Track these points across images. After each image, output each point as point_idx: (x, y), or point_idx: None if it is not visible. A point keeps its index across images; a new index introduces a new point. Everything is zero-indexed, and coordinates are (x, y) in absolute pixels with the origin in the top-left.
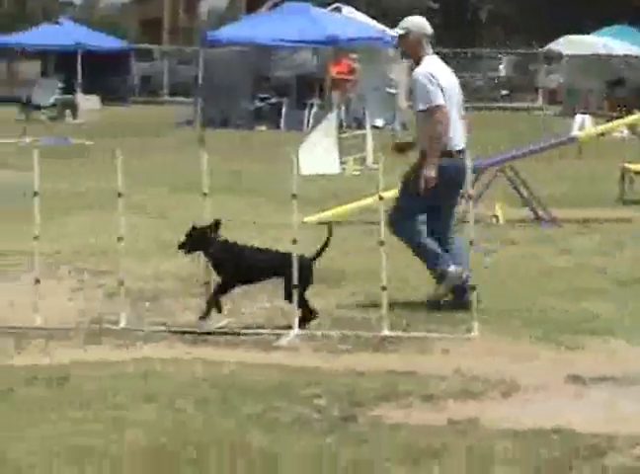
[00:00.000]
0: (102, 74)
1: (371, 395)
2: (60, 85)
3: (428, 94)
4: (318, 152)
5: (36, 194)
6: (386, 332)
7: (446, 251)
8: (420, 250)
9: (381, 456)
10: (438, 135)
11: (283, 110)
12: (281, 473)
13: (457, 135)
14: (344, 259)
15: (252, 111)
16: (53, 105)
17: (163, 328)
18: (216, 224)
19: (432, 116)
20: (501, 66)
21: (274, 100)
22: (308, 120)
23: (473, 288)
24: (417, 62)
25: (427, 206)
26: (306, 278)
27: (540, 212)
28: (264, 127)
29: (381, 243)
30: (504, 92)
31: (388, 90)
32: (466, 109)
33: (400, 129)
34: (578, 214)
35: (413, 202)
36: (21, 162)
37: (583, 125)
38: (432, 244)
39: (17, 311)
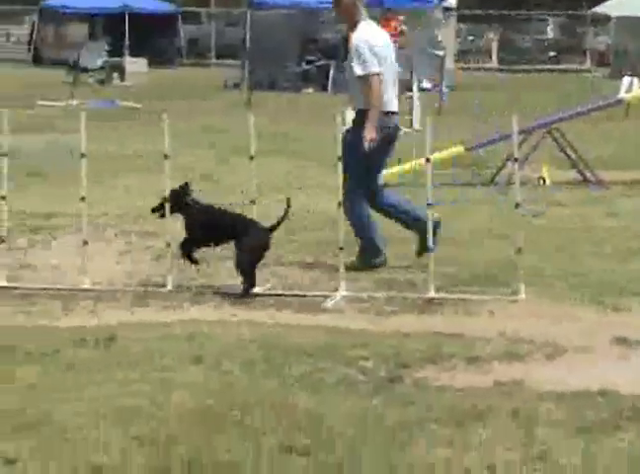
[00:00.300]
0: (149, 37)
1: (417, 357)
2: (107, 48)
3: (365, 61)
4: None
5: (83, 156)
6: (432, 293)
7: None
8: (364, 236)
9: (427, 418)
10: (376, 101)
11: (331, 72)
12: (327, 434)
13: (391, 98)
14: (390, 221)
15: (299, 73)
16: (101, 67)
17: (209, 290)
18: (186, 186)
19: (369, 82)
20: (548, 28)
21: (321, 62)
22: None
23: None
24: (352, 27)
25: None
26: (259, 248)
27: (587, 174)
28: (311, 90)
29: (428, 205)
30: (551, 54)
31: (435, 52)
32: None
33: (447, 91)
34: (625, 176)
35: (358, 165)
36: (68, 125)
37: (630, 87)
38: (377, 239)
39: (64, 273)
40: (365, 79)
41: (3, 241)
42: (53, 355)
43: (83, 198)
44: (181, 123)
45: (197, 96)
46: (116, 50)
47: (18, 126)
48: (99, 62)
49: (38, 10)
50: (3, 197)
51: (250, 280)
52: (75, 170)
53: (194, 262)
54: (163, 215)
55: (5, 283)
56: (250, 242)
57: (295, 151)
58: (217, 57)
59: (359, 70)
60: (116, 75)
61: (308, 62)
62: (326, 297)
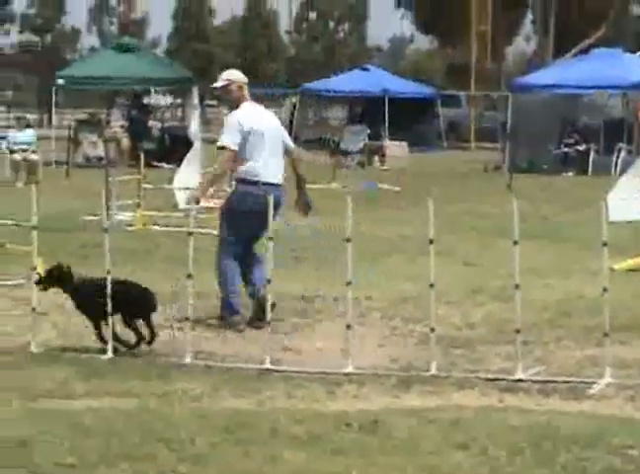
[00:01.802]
0: (408, 120)
1: None
2: (368, 131)
3: (224, 134)
4: (627, 198)
5: (348, 240)
6: None
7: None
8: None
9: None
10: (220, 170)
11: (591, 155)
12: None
13: (266, 170)
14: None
15: (559, 156)
16: (361, 150)
17: (474, 375)
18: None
19: (221, 153)
20: None
21: (582, 146)
22: (616, 166)
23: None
24: (236, 107)
25: (237, 232)
26: (143, 308)
27: None
28: (570, 173)
29: None
30: None
31: None
32: None
33: None
34: None
35: (228, 231)
36: (329, 207)
37: None
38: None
39: (328, 357)
40: (220, 149)
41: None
42: (317, 439)
43: (349, 283)
44: (442, 207)
45: (457, 179)
46: (375, 134)
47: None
48: (359, 145)
49: (298, 92)
50: (268, 281)
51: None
52: (339, 253)
53: (104, 342)
54: (46, 289)
55: (269, 366)
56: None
57: (557, 235)
58: (476, 140)
59: (219, 140)
60: (376, 158)
61: (567, 145)
62: (592, 384)
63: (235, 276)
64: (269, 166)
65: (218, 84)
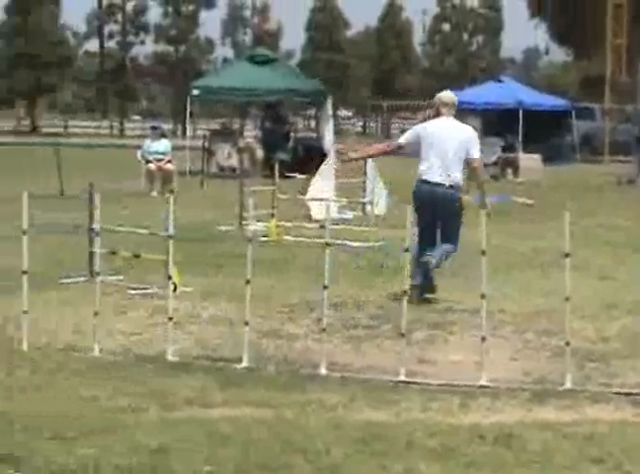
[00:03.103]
0: (542, 133)
1: None
2: (502, 144)
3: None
4: None
5: (483, 253)
6: None
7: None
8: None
9: None
10: (374, 151)
11: None
12: None
13: (431, 171)
14: None
15: None
16: (495, 163)
17: (609, 389)
18: None
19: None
20: None
21: None
22: None
23: None
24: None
25: (418, 222)
26: None
27: None
28: None
29: None
30: None
31: None
32: None
33: None
34: None
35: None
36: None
37: None
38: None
39: (462, 369)
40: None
41: None
42: (453, 451)
43: (483, 296)
44: (575, 220)
45: (590, 193)
46: (509, 146)
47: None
48: (493, 158)
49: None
50: (404, 292)
51: None
52: (474, 266)
53: None
54: None
55: (404, 378)
56: None
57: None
58: (611, 154)
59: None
60: (509, 171)
61: None
62: None
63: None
64: (433, 167)
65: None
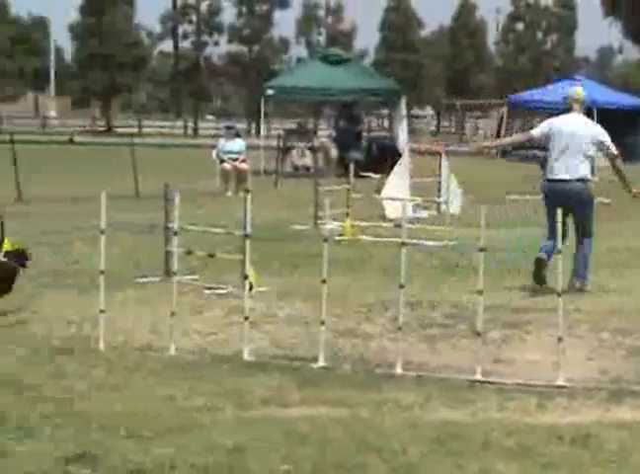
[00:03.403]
0: (617, 132)
1: None
2: None
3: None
4: None
5: (559, 252)
6: None
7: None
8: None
9: None
10: (513, 140)
11: None
12: None
13: (558, 167)
14: None
15: None
16: None
17: None
18: None
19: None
20: None
21: None
22: None
23: None
24: None
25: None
26: None
27: None
28: None
29: None
30: None
31: None
32: None
33: None
34: None
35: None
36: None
37: None
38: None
39: (539, 369)
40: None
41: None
42: (530, 451)
43: (559, 294)
44: None
45: None
46: None
47: (490, 221)
48: None
49: (505, 103)
50: (480, 292)
51: None
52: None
53: None
54: None
55: (480, 378)
56: None
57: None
58: None
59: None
60: None
61: None
62: None
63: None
64: (559, 163)
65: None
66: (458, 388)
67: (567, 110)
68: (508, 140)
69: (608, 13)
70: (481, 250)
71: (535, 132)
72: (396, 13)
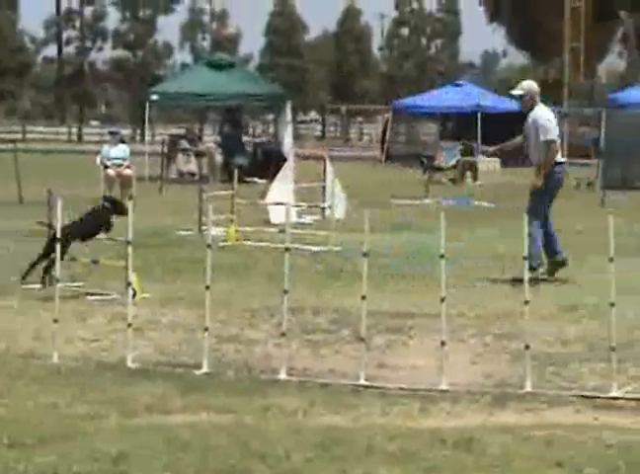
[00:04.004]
0: (501, 136)
1: None
2: (461, 147)
3: (549, 130)
4: None
5: (442, 256)
6: None
7: (549, 234)
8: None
9: None
10: (552, 160)
11: None
12: None
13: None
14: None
15: None
16: (454, 167)
17: (569, 393)
18: None
19: (550, 146)
20: None
21: None
22: None
23: None
24: (531, 109)
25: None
26: None
27: None
28: None
29: None
30: None
31: None
32: None
33: None
34: None
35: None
36: (424, 223)
37: None
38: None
39: (422, 373)
40: (546, 144)
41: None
42: (413, 456)
43: (442, 299)
44: None
45: None
46: (468, 150)
47: (374, 225)
48: (452, 161)
49: (390, 109)
50: (363, 297)
51: None
52: (433, 270)
53: None
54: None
55: (364, 383)
56: None
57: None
58: (570, 156)
59: (542, 136)
60: (468, 174)
61: None
62: None
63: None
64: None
65: (517, 93)
66: (342, 393)
67: (531, 106)
68: (545, 166)
69: (492, 18)
70: (364, 255)
71: (559, 138)
72: (281, 17)
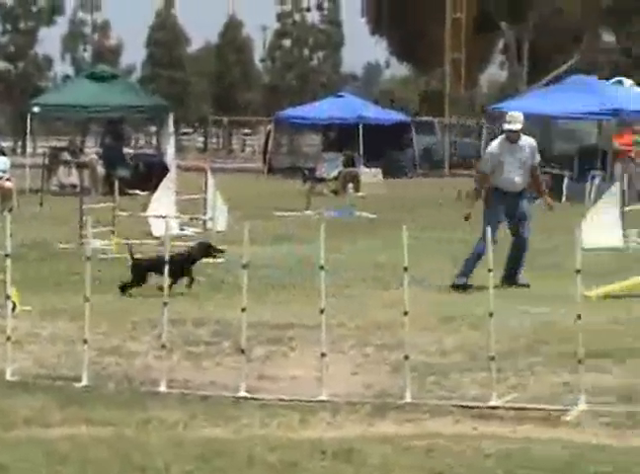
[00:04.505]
0: (383, 147)
1: None
2: (342, 158)
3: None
4: (601, 225)
5: (321, 268)
6: None
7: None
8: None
9: None
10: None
11: (565, 182)
12: None
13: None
14: (630, 334)
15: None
16: (335, 178)
17: (448, 402)
18: None
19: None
20: None
21: (555, 172)
22: (590, 193)
23: None
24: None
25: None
26: None
27: None
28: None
29: None
30: None
31: None
32: None
33: None
34: None
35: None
36: (305, 235)
37: None
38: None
39: (302, 384)
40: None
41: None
42: (293, 466)
43: (322, 311)
44: (417, 234)
45: (432, 206)
46: (350, 161)
47: (256, 237)
48: (334, 173)
49: (272, 120)
50: (243, 309)
51: None
52: (313, 281)
53: None
54: None
55: (244, 394)
56: None
57: (531, 262)
58: (451, 168)
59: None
60: (350, 185)
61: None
62: (566, 411)
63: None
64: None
65: (518, 128)
66: (223, 405)
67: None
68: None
69: (374, 30)
70: (244, 267)
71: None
72: (163, 30)
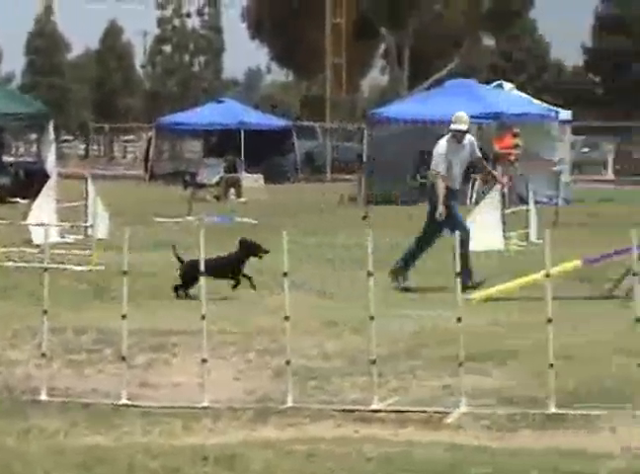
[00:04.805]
0: (264, 153)
1: None
2: (224, 164)
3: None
4: (482, 228)
5: (201, 273)
6: (553, 409)
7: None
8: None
9: None
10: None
11: None
12: None
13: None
14: (510, 336)
15: (416, 187)
16: (217, 183)
17: (330, 406)
18: None
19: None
20: None
21: None
22: (471, 196)
23: None
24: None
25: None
26: None
27: None
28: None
29: (549, 320)
30: None
31: (553, 168)
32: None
33: (564, 205)
34: None
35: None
36: (187, 241)
37: None
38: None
39: (184, 391)
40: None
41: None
42: (176, 473)
43: (203, 317)
44: (298, 239)
45: (313, 211)
46: (231, 166)
47: (137, 244)
48: (215, 178)
49: (153, 126)
50: (123, 316)
51: None
52: (194, 287)
53: None
54: None
55: (126, 402)
56: None
57: (419, 264)
58: (333, 172)
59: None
60: (232, 191)
61: (423, 176)
62: (447, 413)
63: None
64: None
65: (465, 128)
66: (104, 413)
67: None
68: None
69: (254, 36)
70: (124, 273)
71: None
72: (42, 37)
